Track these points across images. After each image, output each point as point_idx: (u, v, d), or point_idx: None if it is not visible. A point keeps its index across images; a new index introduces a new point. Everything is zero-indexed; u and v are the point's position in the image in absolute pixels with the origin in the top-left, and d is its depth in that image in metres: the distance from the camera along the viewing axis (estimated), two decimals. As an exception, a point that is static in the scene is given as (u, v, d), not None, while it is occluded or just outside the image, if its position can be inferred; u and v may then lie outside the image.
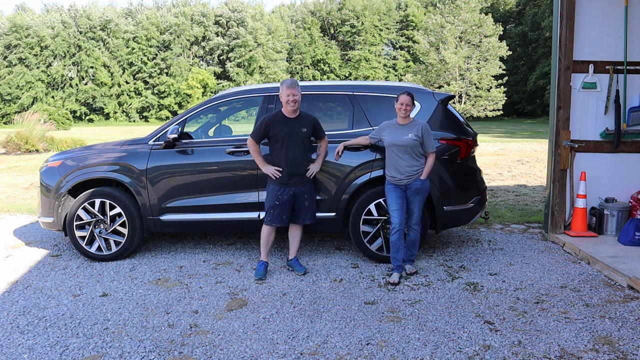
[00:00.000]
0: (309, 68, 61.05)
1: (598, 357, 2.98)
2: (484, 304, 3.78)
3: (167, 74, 57.45)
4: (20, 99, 51.12)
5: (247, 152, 4.62)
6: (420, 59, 43.13)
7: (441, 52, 39.52)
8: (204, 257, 5.03)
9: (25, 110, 40.57)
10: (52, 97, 53.67)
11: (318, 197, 4.68)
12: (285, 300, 3.90)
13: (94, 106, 54.88)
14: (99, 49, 55.89)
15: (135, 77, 57.33)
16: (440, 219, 4.75)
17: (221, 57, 60.64)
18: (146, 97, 56.62)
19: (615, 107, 5.51)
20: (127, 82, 56.64)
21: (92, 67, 54.90)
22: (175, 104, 56.52)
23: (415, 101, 4.69)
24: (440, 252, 5.16)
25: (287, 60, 62.15)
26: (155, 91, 57.07)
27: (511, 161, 13.32)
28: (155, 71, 57.36)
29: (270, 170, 4.35)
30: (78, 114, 53.60)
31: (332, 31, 63.92)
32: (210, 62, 61.93)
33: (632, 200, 5.52)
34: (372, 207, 4.67)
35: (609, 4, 5.49)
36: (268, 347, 3.14)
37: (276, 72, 58.97)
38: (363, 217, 4.68)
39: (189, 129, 5.14)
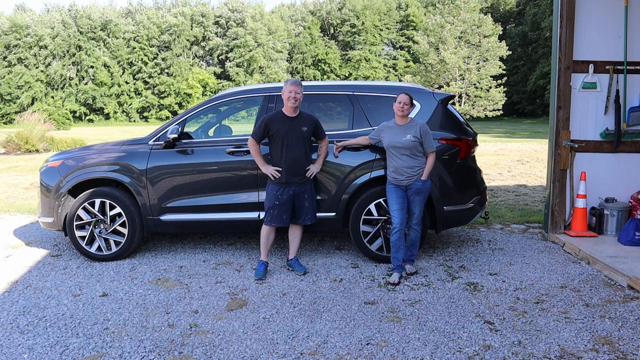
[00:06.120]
0: (309, 68, 61.05)
1: (598, 357, 2.98)
2: (484, 304, 3.78)
3: (167, 74, 57.45)
4: (19, 98, 51.11)
5: (247, 152, 4.62)
6: (420, 59, 43.14)
7: (441, 52, 39.53)
8: (204, 257, 5.03)
9: (25, 110, 40.57)
10: (52, 97, 53.64)
11: (318, 197, 4.68)
12: (285, 300, 3.90)
13: (94, 106, 54.85)
14: (99, 49, 55.89)
15: (135, 77, 57.32)
16: (440, 219, 4.74)
17: (221, 57, 60.66)
18: (146, 97, 56.61)
19: (615, 107, 5.51)
20: (127, 82, 56.62)
21: (92, 67, 54.88)
22: (175, 104, 56.51)
23: (415, 101, 4.69)
24: (440, 252, 5.16)
25: (287, 60, 62.14)
26: (155, 91, 57.05)
27: (511, 161, 13.32)
28: (155, 71, 57.36)
29: (269, 170, 4.35)
30: (78, 114, 53.57)
31: (332, 31, 63.92)
32: (210, 62, 61.94)
33: (632, 200, 5.52)
34: (372, 207, 4.67)
35: (609, 4, 5.49)
36: (268, 347, 3.14)
37: (277, 72, 58.96)
38: (363, 217, 4.68)
39: (189, 129, 5.14)
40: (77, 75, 55.22)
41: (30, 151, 16.31)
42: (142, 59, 57.27)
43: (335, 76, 60.32)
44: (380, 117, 4.77)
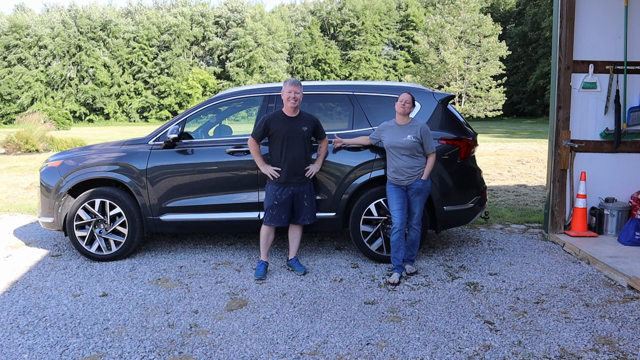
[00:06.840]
0: (309, 68, 61.05)
1: (598, 357, 2.98)
2: (484, 304, 3.78)
3: (167, 74, 57.44)
4: (19, 98, 51.11)
5: (247, 152, 4.62)
6: (420, 59, 43.15)
7: (441, 52, 39.54)
8: (204, 257, 5.03)
9: (25, 110, 40.53)
10: (52, 97, 53.64)
11: (318, 197, 4.68)
12: (285, 300, 3.90)
13: (94, 106, 54.83)
14: (99, 49, 55.88)
15: (135, 77, 57.30)
16: (440, 219, 4.74)
17: (221, 57, 60.65)
18: (146, 97, 56.59)
19: (615, 107, 5.51)
20: (127, 82, 56.61)
21: (92, 67, 54.88)
22: (175, 104, 56.50)
23: (415, 101, 4.70)
24: (440, 252, 5.16)
25: (287, 60, 62.13)
26: (155, 91, 57.04)
27: (511, 161, 13.32)
28: (155, 71, 57.35)
29: (269, 170, 4.35)
30: (78, 114, 53.55)
31: (332, 31, 63.91)
32: (210, 62, 61.93)
33: (632, 200, 5.52)
34: (372, 207, 4.67)
35: (609, 4, 5.49)
36: (268, 347, 3.14)
37: (277, 72, 58.95)
38: (363, 217, 4.68)
39: (189, 129, 5.14)
40: (77, 75, 55.19)
41: (30, 151, 16.31)
42: (142, 59, 57.25)
43: (335, 76, 60.32)
44: (380, 117, 4.77)
